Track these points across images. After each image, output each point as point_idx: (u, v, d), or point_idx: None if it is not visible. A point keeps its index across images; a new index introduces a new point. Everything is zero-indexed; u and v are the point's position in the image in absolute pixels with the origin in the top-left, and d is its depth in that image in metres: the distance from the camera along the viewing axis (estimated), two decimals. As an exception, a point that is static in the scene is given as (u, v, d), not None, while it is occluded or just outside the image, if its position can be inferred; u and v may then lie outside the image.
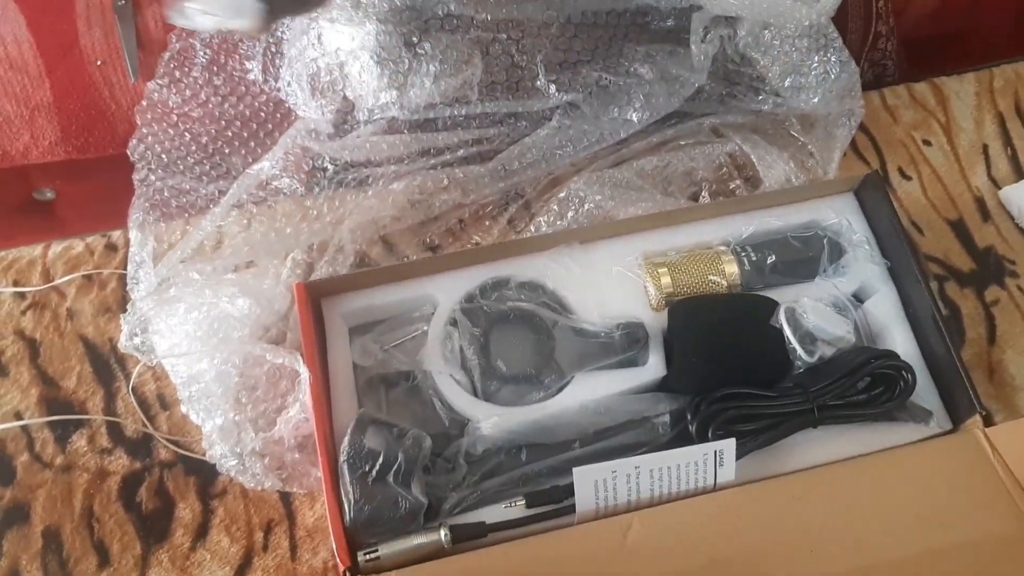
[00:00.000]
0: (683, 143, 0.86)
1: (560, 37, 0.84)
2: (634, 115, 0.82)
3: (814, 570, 0.61)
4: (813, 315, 0.71)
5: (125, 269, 0.80)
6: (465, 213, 0.83)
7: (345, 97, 0.85)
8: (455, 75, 0.83)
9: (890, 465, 0.66)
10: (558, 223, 0.80)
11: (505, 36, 0.83)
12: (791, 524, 0.63)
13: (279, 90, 0.87)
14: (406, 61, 0.82)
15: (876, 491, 0.64)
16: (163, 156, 0.85)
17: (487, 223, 0.83)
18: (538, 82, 0.83)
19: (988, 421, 0.67)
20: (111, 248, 0.82)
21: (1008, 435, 0.65)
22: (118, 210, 0.91)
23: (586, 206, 0.80)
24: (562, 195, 0.81)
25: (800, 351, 0.69)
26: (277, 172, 0.80)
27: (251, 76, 0.87)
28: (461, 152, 0.84)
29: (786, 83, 0.84)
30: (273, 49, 0.86)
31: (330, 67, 0.85)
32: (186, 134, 0.86)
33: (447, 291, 0.73)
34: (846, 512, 0.63)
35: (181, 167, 0.85)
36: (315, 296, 0.72)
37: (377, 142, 0.82)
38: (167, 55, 0.86)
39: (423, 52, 0.82)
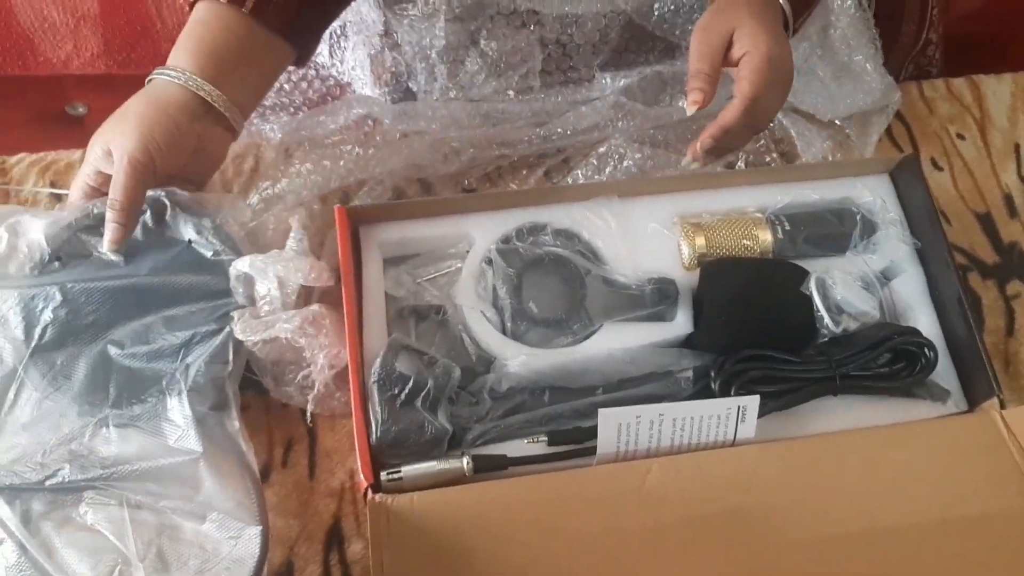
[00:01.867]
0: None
1: (616, 29, 0.86)
2: (685, 104, 0.83)
3: (824, 529, 0.62)
4: (842, 288, 0.72)
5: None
6: (504, 162, 0.83)
7: (408, 88, 0.86)
8: (516, 69, 0.84)
9: (906, 438, 0.67)
10: (595, 177, 0.81)
11: (562, 30, 0.85)
12: (805, 484, 0.64)
13: (343, 73, 0.87)
14: (471, 59, 0.83)
15: (890, 461, 0.66)
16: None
17: (524, 172, 0.84)
18: (594, 72, 0.84)
19: (1003, 406, 0.68)
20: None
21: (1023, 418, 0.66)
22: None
23: (625, 163, 0.80)
24: (602, 150, 0.82)
25: (827, 320, 0.70)
26: (334, 127, 0.80)
27: (319, 59, 0.87)
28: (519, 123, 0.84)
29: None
30: (338, 32, 0.86)
31: (396, 60, 0.86)
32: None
33: (484, 231, 0.74)
34: (859, 478, 0.65)
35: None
36: (355, 222, 0.72)
37: (437, 110, 0.82)
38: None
39: (488, 49, 0.83)
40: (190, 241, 0.70)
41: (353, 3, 0.79)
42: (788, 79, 0.73)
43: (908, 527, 0.62)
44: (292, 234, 0.66)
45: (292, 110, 0.86)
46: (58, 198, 0.80)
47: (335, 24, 0.85)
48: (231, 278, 0.67)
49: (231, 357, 0.66)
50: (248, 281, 0.67)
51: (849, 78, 0.88)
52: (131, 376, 0.66)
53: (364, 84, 0.85)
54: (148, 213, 0.70)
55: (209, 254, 0.69)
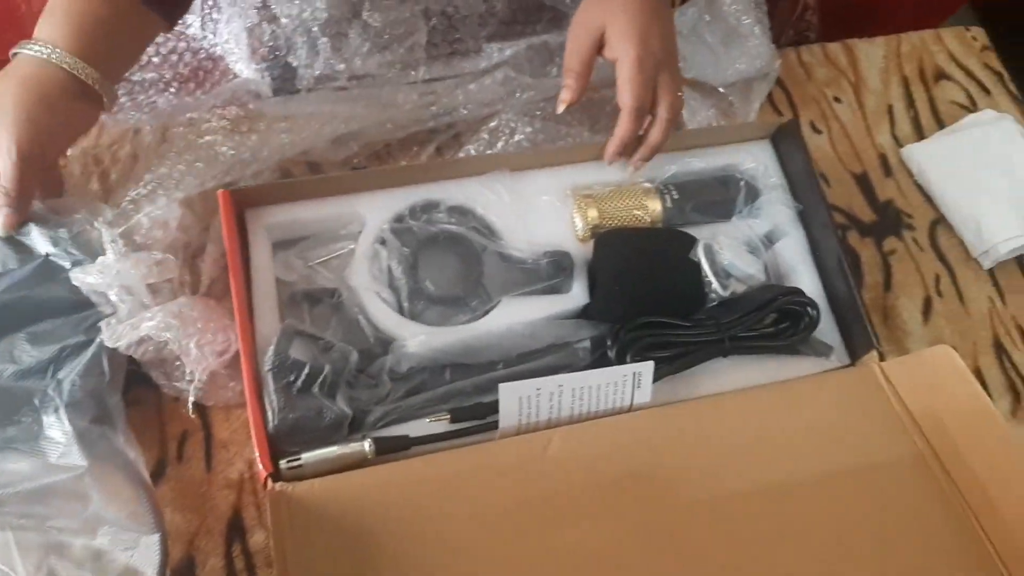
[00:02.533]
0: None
1: (498, 4, 0.85)
2: (555, 73, 0.84)
3: (719, 487, 0.64)
4: (728, 252, 0.74)
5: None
6: (394, 139, 0.82)
7: (287, 63, 0.83)
8: (401, 42, 0.82)
9: (793, 393, 0.70)
10: (487, 152, 0.80)
11: (448, 1, 0.84)
12: (699, 444, 0.66)
13: (216, 46, 0.84)
14: (354, 32, 0.81)
15: (780, 417, 0.68)
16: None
17: (415, 148, 0.83)
18: (481, 44, 0.83)
19: (882, 359, 0.72)
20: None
21: (901, 369, 0.70)
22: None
23: (516, 137, 0.80)
24: (492, 124, 0.81)
25: (715, 284, 0.72)
26: (210, 127, 0.77)
27: (191, 31, 0.84)
28: (408, 106, 0.82)
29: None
30: (211, 3, 0.82)
31: (275, 33, 0.82)
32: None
33: (376, 210, 0.73)
34: (750, 435, 0.67)
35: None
36: (239, 205, 0.70)
37: (321, 100, 0.80)
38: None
39: (372, 21, 0.81)
40: (47, 254, 0.67)
41: None
42: (668, 65, 0.72)
43: (798, 480, 0.65)
44: (105, 238, 0.64)
45: (162, 85, 0.82)
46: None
47: None
48: (85, 289, 0.64)
49: (106, 367, 0.64)
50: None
51: (737, 43, 0.89)
52: (1, 397, 0.63)
53: (239, 59, 0.82)
54: None
55: (69, 265, 0.66)
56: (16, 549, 0.60)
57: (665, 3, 0.75)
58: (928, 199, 0.89)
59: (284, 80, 0.86)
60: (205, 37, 0.82)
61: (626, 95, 0.71)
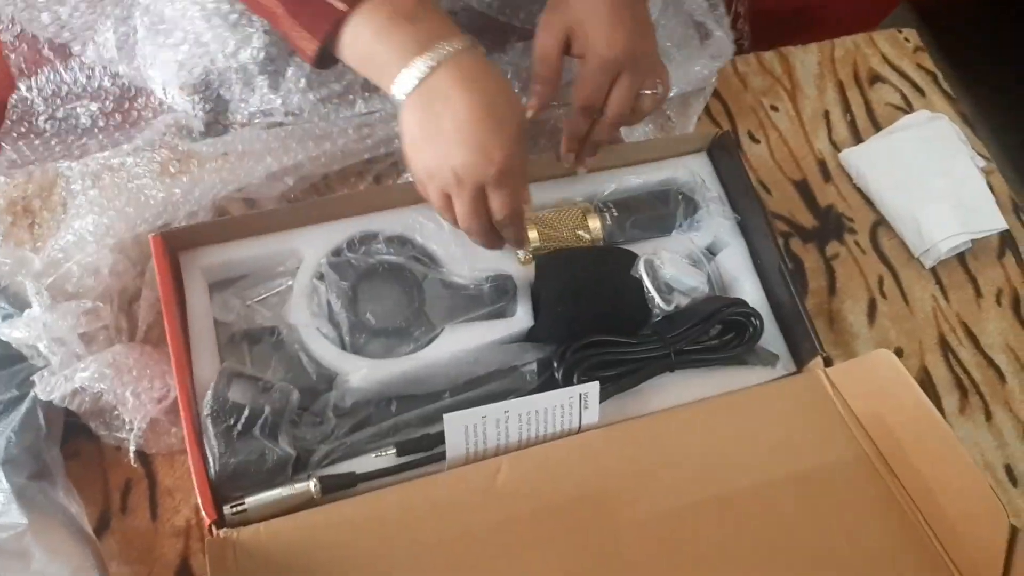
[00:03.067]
0: (551, 104, 0.87)
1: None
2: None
3: (670, 502, 0.64)
4: (670, 266, 0.74)
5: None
6: (335, 166, 0.81)
7: (219, 96, 0.82)
8: (339, 79, 0.82)
9: (741, 404, 0.70)
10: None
11: None
12: (651, 461, 0.66)
13: (135, 74, 0.83)
14: (291, 69, 0.80)
15: (728, 428, 0.68)
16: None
17: (352, 179, 0.82)
18: None
19: (828, 364, 0.72)
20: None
21: (845, 374, 0.70)
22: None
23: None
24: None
25: (658, 299, 0.72)
26: (140, 171, 0.75)
27: (106, 54, 0.82)
28: (342, 141, 0.81)
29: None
30: (132, 32, 0.81)
31: (207, 68, 0.80)
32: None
33: (313, 245, 0.72)
34: (699, 448, 0.67)
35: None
36: (173, 249, 0.69)
37: (260, 144, 0.78)
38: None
39: None
40: None
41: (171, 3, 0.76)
42: (633, 65, 0.70)
43: (748, 488, 0.65)
44: (30, 290, 0.63)
45: (88, 120, 0.81)
46: None
47: (143, 21, 0.80)
48: (13, 342, 0.63)
49: (42, 421, 0.63)
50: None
51: (693, 45, 0.89)
52: (-66, 460, 0.61)
53: (168, 90, 0.80)
54: None
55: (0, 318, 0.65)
56: (-43, 615, 0.58)
57: (642, 3, 0.73)
58: (868, 202, 0.90)
59: (217, 113, 0.85)
60: (130, 65, 0.81)
61: (579, 92, 0.70)
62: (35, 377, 0.63)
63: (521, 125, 0.63)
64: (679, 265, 0.74)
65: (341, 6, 0.60)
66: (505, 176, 0.62)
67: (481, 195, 0.63)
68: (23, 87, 0.80)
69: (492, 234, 0.67)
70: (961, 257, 0.87)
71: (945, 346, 0.83)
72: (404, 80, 0.60)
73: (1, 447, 0.61)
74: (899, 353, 0.82)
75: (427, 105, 0.60)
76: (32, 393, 0.63)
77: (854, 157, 0.91)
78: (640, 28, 0.71)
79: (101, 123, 0.82)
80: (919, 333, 0.83)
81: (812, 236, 0.87)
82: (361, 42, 0.61)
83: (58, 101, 0.80)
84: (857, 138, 0.94)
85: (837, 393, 0.70)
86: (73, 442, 0.68)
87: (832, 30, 1.04)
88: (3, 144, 0.81)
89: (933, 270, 0.87)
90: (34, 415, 0.63)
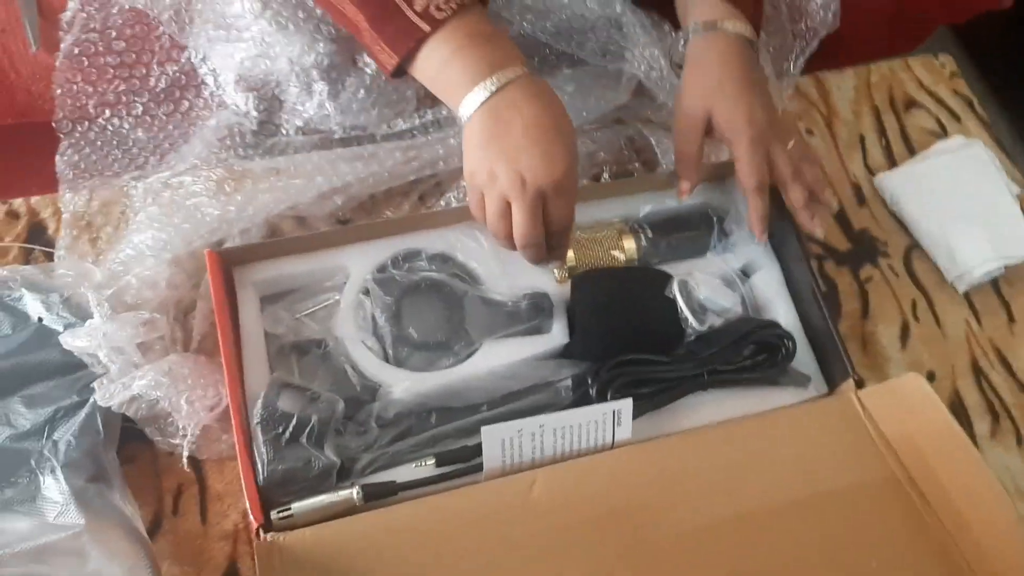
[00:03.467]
0: (587, 127, 0.90)
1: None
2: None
3: (701, 519, 0.66)
4: (704, 288, 0.76)
5: (27, 240, 0.79)
6: (381, 187, 0.84)
7: (275, 96, 0.85)
8: (395, 91, 0.85)
9: (772, 424, 0.71)
10: (467, 199, 0.82)
11: None
12: (682, 477, 0.68)
13: (199, 68, 0.86)
14: (350, 77, 0.83)
15: (759, 447, 0.70)
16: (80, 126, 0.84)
17: (398, 199, 0.85)
18: None
19: (860, 386, 0.73)
20: (12, 216, 0.81)
21: (876, 396, 0.71)
22: (20, 180, 0.89)
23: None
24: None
25: (692, 320, 0.74)
26: (197, 189, 0.78)
27: (159, 43, 0.86)
28: (390, 163, 0.84)
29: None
30: (186, 18, 0.85)
31: (268, 68, 0.84)
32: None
33: (359, 262, 0.75)
34: (732, 466, 0.69)
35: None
36: (227, 264, 0.72)
37: (311, 164, 0.82)
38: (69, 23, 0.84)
39: (368, 71, 0.84)
40: (40, 319, 0.69)
41: (238, 2, 0.80)
42: (777, 134, 0.75)
43: (779, 507, 0.66)
44: (92, 301, 0.67)
45: (138, 101, 0.84)
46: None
47: (202, 10, 0.83)
48: (75, 351, 0.67)
49: (100, 426, 0.66)
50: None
51: None
52: (-2, 460, 0.65)
53: (220, 81, 0.84)
54: None
55: (61, 328, 0.69)
56: (15, 609, 0.61)
57: (759, 68, 0.79)
58: (902, 226, 0.91)
59: (271, 113, 0.87)
60: (182, 50, 0.84)
61: (748, 177, 0.74)
62: (95, 384, 0.66)
63: (576, 145, 0.66)
64: (713, 286, 0.76)
65: (424, 26, 0.64)
66: (566, 184, 0.65)
67: (540, 201, 0.66)
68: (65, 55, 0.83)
69: (542, 246, 0.69)
70: (995, 282, 0.88)
71: (977, 370, 0.83)
72: (472, 98, 0.64)
73: (62, 451, 0.65)
74: (931, 377, 0.82)
75: (496, 115, 0.64)
76: (92, 399, 0.66)
77: (889, 181, 0.92)
78: (765, 95, 0.76)
79: (150, 116, 0.85)
80: (951, 357, 0.84)
81: (846, 259, 0.89)
82: (436, 61, 0.65)
83: (107, 86, 0.83)
84: (892, 163, 0.95)
85: (868, 415, 0.71)
86: (129, 447, 0.71)
87: (869, 55, 1.06)
88: (60, 135, 0.84)
89: (966, 295, 0.87)
90: (93, 420, 0.67)
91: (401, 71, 0.68)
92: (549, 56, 0.90)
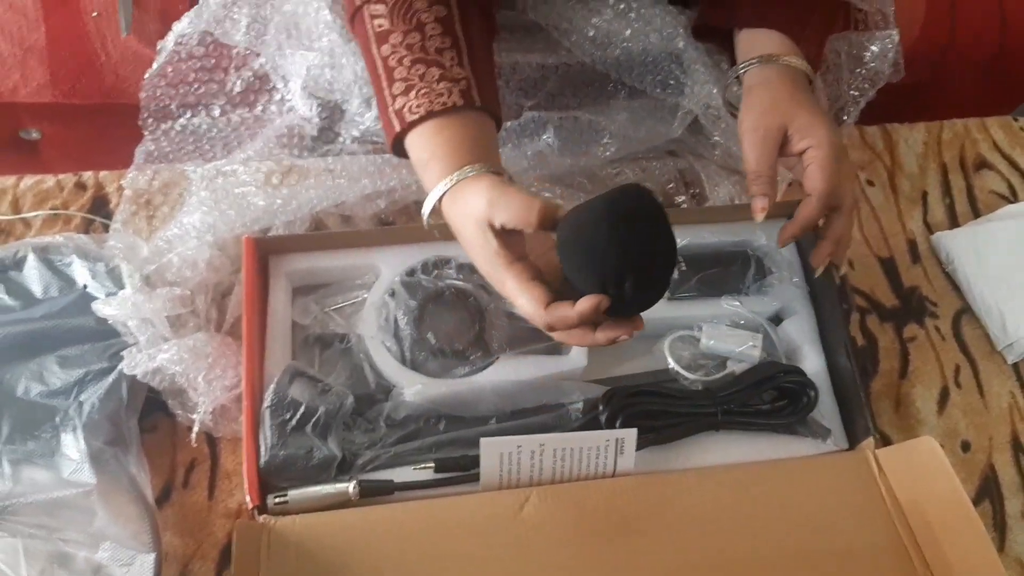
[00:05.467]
0: (638, 156, 0.90)
1: (551, 77, 0.89)
2: (599, 150, 0.87)
3: (696, 559, 0.64)
4: (707, 337, 0.76)
5: (90, 210, 0.84)
6: (421, 197, 0.86)
7: (337, 106, 0.89)
8: None
9: (782, 473, 0.70)
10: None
11: (506, 75, 0.88)
12: (679, 514, 0.67)
13: (266, 66, 0.90)
14: None
15: (765, 495, 0.68)
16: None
17: (442, 207, 0.87)
18: (523, 111, 0.87)
19: (884, 445, 0.71)
20: (80, 187, 0.86)
21: (894, 457, 0.69)
22: (99, 156, 0.94)
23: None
24: (514, 188, 0.84)
25: (684, 374, 0.75)
26: (247, 179, 0.82)
27: (235, 51, 0.90)
28: None
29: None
30: (258, 21, 0.89)
31: (333, 78, 0.87)
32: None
33: (391, 263, 0.77)
34: (733, 509, 0.67)
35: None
36: (263, 252, 0.75)
37: (357, 166, 0.84)
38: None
39: None
40: (85, 285, 0.73)
41: (309, 11, 0.83)
42: (847, 157, 0.73)
43: (775, 557, 0.65)
44: (124, 272, 0.70)
45: (218, 111, 0.89)
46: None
47: (277, 21, 0.87)
48: (108, 319, 0.70)
49: (125, 393, 0.69)
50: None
51: None
52: (25, 413, 0.69)
53: (290, 86, 0.87)
54: (42, 260, 0.75)
55: (103, 296, 0.72)
56: (24, 556, 0.65)
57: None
58: (955, 288, 0.88)
59: (332, 122, 0.91)
60: (256, 56, 0.87)
61: (819, 180, 0.69)
62: (124, 352, 0.70)
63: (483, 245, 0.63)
64: (720, 335, 0.75)
65: (396, 125, 0.67)
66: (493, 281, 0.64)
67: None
68: (155, 66, 0.87)
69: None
70: (1048, 356, 0.84)
71: (1017, 446, 0.79)
72: (428, 204, 0.66)
73: (85, 412, 0.68)
74: (966, 447, 0.79)
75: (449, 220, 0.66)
76: (119, 367, 0.70)
77: (947, 240, 0.89)
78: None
79: (226, 117, 0.89)
80: (991, 429, 0.80)
81: (891, 316, 0.86)
82: (415, 158, 0.68)
83: (188, 89, 0.87)
84: (954, 223, 0.92)
85: (883, 476, 0.68)
86: (152, 417, 0.74)
87: (962, 114, 1.02)
88: (145, 133, 0.90)
89: (1015, 366, 0.83)
90: (118, 386, 0.70)
91: (400, 155, 0.70)
92: (608, 86, 0.91)
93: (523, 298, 0.61)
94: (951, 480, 0.62)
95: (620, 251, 0.57)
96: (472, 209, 0.62)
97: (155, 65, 0.87)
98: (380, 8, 0.69)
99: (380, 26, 0.69)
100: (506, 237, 0.61)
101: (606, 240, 0.57)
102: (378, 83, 0.69)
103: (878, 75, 0.83)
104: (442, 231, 0.67)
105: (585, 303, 0.58)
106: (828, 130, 0.71)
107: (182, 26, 0.86)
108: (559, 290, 0.61)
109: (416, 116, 0.66)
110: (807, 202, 0.71)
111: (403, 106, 0.66)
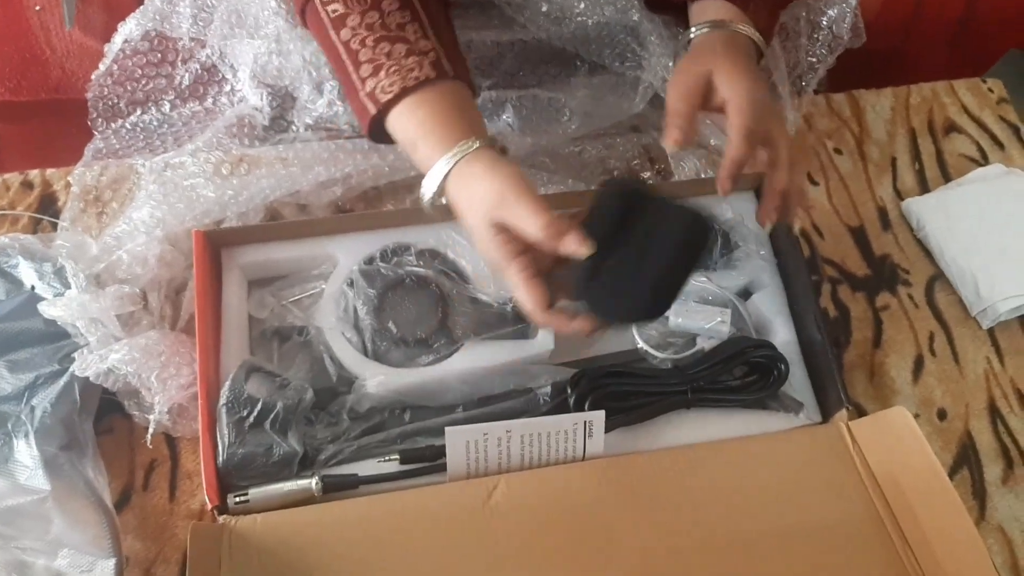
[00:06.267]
0: (600, 133, 0.88)
1: (507, 55, 0.87)
2: (560, 128, 0.86)
3: (670, 540, 0.63)
4: (675, 316, 0.74)
5: (37, 209, 0.81)
6: (382, 181, 0.84)
7: (288, 94, 0.87)
8: None
9: (755, 449, 0.68)
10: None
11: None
12: (652, 496, 0.65)
13: (213, 58, 0.87)
14: None
15: (738, 472, 0.67)
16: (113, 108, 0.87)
17: (402, 192, 0.85)
18: (480, 92, 0.85)
19: (854, 418, 0.69)
20: (27, 186, 0.83)
21: (868, 429, 0.68)
22: (50, 152, 0.92)
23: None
24: (475, 170, 0.82)
25: (652, 352, 0.73)
26: (195, 170, 0.79)
27: (181, 43, 0.87)
28: (391, 157, 0.83)
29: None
30: (203, 11, 0.86)
31: (282, 66, 0.85)
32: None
33: (349, 252, 0.75)
34: (707, 489, 0.66)
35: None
36: (215, 245, 0.73)
37: (311, 153, 0.81)
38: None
39: None
40: (32, 287, 0.71)
41: (255, 2, 0.81)
42: (777, 117, 0.71)
43: (751, 535, 0.63)
44: (69, 272, 0.67)
45: (169, 106, 0.86)
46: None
47: (222, 10, 0.84)
48: (56, 320, 0.68)
49: (78, 396, 0.67)
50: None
51: None
52: (-23, 421, 0.66)
53: (240, 79, 0.85)
54: None
55: (51, 297, 0.70)
56: (-23, 566, 0.63)
57: (763, 72, 0.75)
58: (927, 255, 0.86)
59: (283, 110, 0.88)
60: (203, 48, 0.85)
61: (736, 116, 0.68)
62: (75, 354, 0.67)
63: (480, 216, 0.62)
64: (688, 312, 0.74)
65: (371, 108, 0.65)
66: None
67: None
68: (103, 67, 0.85)
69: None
70: (1022, 319, 0.83)
71: (994, 412, 0.78)
72: (430, 183, 0.64)
73: (37, 417, 0.66)
74: (942, 415, 0.78)
75: (450, 196, 0.64)
76: (71, 369, 0.67)
77: (918, 206, 0.88)
78: (767, 89, 0.72)
79: (177, 111, 0.87)
80: (967, 396, 0.79)
81: (862, 285, 0.84)
82: (400, 136, 0.66)
83: (136, 85, 0.85)
84: (924, 188, 0.91)
85: (857, 448, 0.67)
86: (108, 418, 0.72)
87: (932, 78, 1.00)
88: (95, 132, 0.87)
89: (991, 331, 0.82)
90: (71, 389, 0.68)
91: (378, 141, 0.69)
92: (567, 63, 0.88)
93: (524, 295, 0.60)
94: (924, 450, 0.61)
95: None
96: (479, 201, 0.61)
97: (101, 66, 0.84)
98: None
99: (335, 11, 0.67)
100: (510, 232, 0.61)
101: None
102: (343, 70, 0.67)
103: (836, 40, 0.82)
104: (441, 213, 0.66)
105: (588, 326, 0.61)
106: (751, 81, 0.69)
107: (128, 28, 0.83)
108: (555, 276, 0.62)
109: (390, 95, 0.64)
110: (728, 141, 0.69)
111: (374, 87, 0.65)
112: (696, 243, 0.61)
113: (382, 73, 0.65)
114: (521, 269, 0.60)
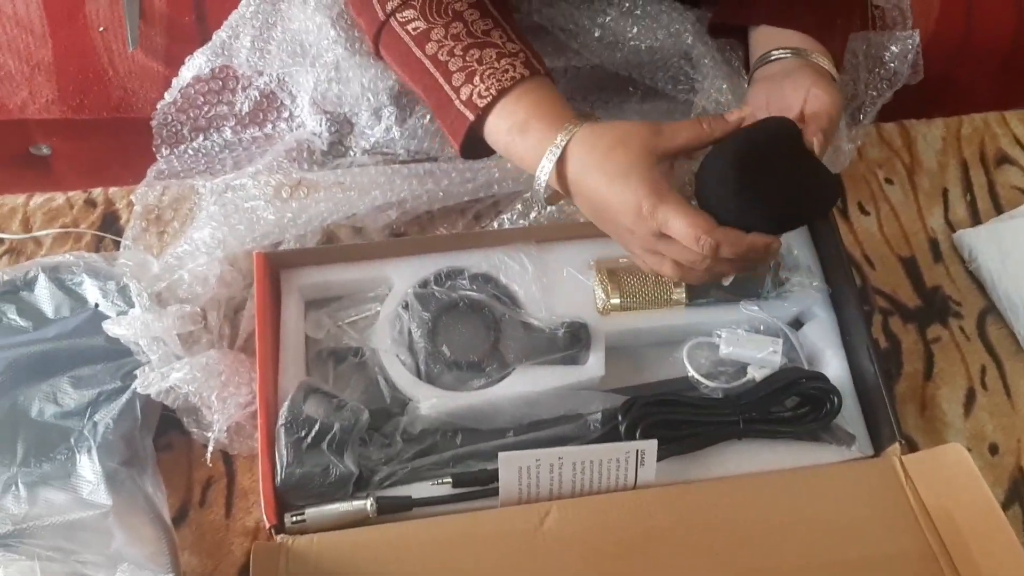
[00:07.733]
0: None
1: (561, 81, 0.88)
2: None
3: (721, 571, 0.63)
4: (726, 344, 0.74)
5: (100, 227, 0.84)
6: (436, 205, 0.85)
7: (346, 119, 0.89)
8: None
9: (806, 481, 0.68)
10: (520, 222, 0.83)
11: None
12: (703, 526, 0.65)
13: (274, 85, 0.89)
14: (419, 106, 0.85)
15: (788, 504, 0.67)
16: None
17: (454, 216, 0.86)
18: None
19: (909, 451, 0.69)
20: (90, 204, 0.85)
21: (922, 464, 0.67)
22: (110, 170, 0.94)
23: (548, 208, 0.82)
24: (527, 195, 0.84)
25: (704, 382, 0.73)
26: (256, 193, 0.81)
27: (241, 71, 0.89)
28: (445, 182, 0.85)
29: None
30: (262, 41, 0.88)
31: (341, 92, 0.87)
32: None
33: (404, 275, 0.76)
34: (756, 521, 0.66)
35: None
36: (274, 267, 0.74)
37: (367, 178, 0.83)
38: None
39: None
40: (96, 305, 0.73)
41: (312, 27, 0.83)
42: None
43: (802, 569, 0.63)
44: (133, 291, 0.69)
45: (229, 132, 0.88)
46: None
47: (280, 39, 0.86)
48: (119, 338, 0.69)
49: (139, 413, 0.69)
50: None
51: None
52: (40, 435, 0.68)
53: (301, 108, 0.87)
54: (53, 280, 0.75)
55: (114, 315, 0.72)
56: (42, 579, 0.64)
57: None
58: (979, 287, 0.86)
59: (341, 135, 0.90)
60: (261, 75, 0.87)
61: (829, 125, 0.67)
62: (137, 372, 0.69)
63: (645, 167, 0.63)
64: (739, 341, 0.74)
65: (469, 115, 0.66)
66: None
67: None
68: (168, 97, 0.87)
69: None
70: (1077, 355, 0.82)
71: (1047, 448, 0.78)
72: (541, 177, 0.66)
73: (99, 432, 0.68)
74: (994, 449, 0.77)
75: (566, 188, 0.67)
76: (133, 386, 0.69)
77: (970, 238, 0.87)
78: None
79: (237, 137, 0.89)
80: (1019, 430, 0.78)
81: (913, 317, 0.84)
82: (498, 142, 0.68)
83: (198, 112, 0.87)
84: (975, 220, 0.90)
85: (910, 483, 0.67)
86: (168, 435, 0.74)
87: (960, 108, 1.00)
88: (158, 156, 0.89)
89: (1044, 365, 0.82)
90: (132, 406, 0.70)
91: (470, 155, 0.71)
92: (620, 88, 0.89)
93: (686, 222, 0.61)
94: (980, 486, 0.61)
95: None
96: (626, 147, 0.63)
97: (167, 96, 0.87)
98: (410, 13, 0.69)
99: (416, 28, 0.69)
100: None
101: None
102: (433, 84, 0.68)
103: (897, 76, 0.82)
104: (551, 198, 0.69)
105: (762, 239, 0.64)
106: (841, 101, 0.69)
107: (197, 62, 0.86)
108: None
109: (488, 98, 0.66)
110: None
111: (471, 94, 0.66)
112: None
113: (476, 79, 0.66)
114: (679, 200, 0.62)
